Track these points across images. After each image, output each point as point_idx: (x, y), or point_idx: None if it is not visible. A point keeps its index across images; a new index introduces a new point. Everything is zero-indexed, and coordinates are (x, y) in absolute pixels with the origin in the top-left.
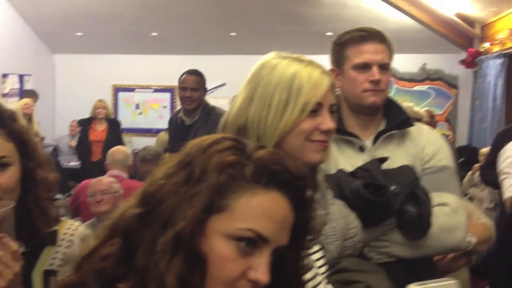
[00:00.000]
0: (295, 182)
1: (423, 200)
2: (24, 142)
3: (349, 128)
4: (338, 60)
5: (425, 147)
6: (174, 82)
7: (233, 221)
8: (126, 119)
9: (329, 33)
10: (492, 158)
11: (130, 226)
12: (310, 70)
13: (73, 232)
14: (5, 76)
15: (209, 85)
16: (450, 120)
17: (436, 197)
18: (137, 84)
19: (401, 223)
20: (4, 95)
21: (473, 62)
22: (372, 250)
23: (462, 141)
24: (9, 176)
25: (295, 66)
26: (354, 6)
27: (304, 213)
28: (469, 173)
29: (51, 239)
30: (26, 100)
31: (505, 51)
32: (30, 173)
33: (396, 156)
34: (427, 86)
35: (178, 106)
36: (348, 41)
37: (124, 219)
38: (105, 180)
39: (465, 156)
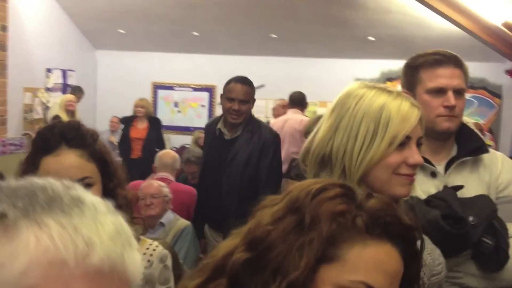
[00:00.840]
0: (407, 234)
1: (501, 232)
2: (105, 163)
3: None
4: (411, 83)
5: (500, 176)
6: (213, 82)
7: (344, 272)
8: (165, 116)
9: (371, 38)
10: None
11: (238, 270)
12: (399, 102)
13: (152, 252)
14: (49, 71)
15: None
16: (493, 130)
17: (511, 228)
18: (176, 83)
19: (477, 255)
20: (48, 90)
21: None
22: (446, 281)
23: (504, 152)
24: None
25: (384, 97)
26: (398, 11)
27: (413, 265)
28: None
29: None
30: (69, 97)
31: None
32: (111, 193)
33: (470, 183)
34: (470, 94)
35: (217, 106)
36: (423, 64)
37: (232, 262)
38: (155, 184)
39: None
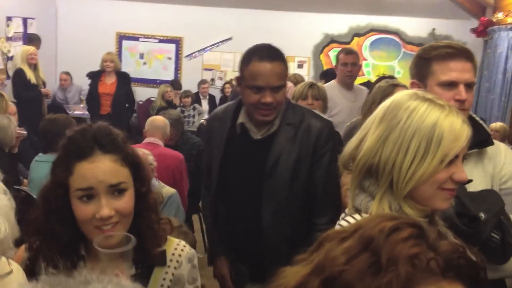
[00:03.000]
0: (478, 275)
1: (507, 226)
2: (137, 166)
3: None
4: (422, 74)
5: (503, 167)
6: (180, 33)
7: None
8: (130, 68)
9: None
10: None
11: None
12: (452, 120)
13: (181, 253)
14: (9, 19)
15: (215, 38)
16: None
17: None
18: (141, 33)
19: (484, 248)
20: (8, 39)
21: (484, 31)
22: None
23: None
24: (126, 201)
25: (436, 113)
26: None
27: None
28: None
29: (160, 260)
30: (30, 49)
31: None
32: (143, 197)
33: (475, 175)
34: None
35: (184, 59)
36: (435, 57)
37: None
38: (139, 152)
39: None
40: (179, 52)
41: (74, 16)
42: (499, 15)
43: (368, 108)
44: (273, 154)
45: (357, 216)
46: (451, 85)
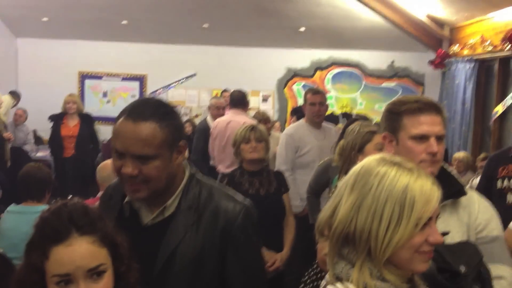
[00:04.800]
0: None
1: (487, 278)
2: (115, 245)
3: None
4: (393, 127)
5: (478, 216)
6: (143, 71)
7: None
8: (93, 107)
9: (302, 29)
10: (484, 183)
11: None
12: (421, 182)
13: None
14: None
15: (179, 75)
16: None
17: (492, 269)
18: (104, 72)
19: None
20: None
21: (441, 63)
22: None
23: None
24: (105, 283)
25: (406, 177)
26: (328, 4)
27: None
28: None
29: None
30: None
31: (476, 57)
32: (123, 276)
33: (451, 225)
34: (395, 83)
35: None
36: (405, 111)
37: None
38: None
39: None
40: (143, 89)
41: (35, 56)
42: (455, 48)
43: (348, 155)
44: (166, 247)
45: (339, 285)
46: (423, 138)
